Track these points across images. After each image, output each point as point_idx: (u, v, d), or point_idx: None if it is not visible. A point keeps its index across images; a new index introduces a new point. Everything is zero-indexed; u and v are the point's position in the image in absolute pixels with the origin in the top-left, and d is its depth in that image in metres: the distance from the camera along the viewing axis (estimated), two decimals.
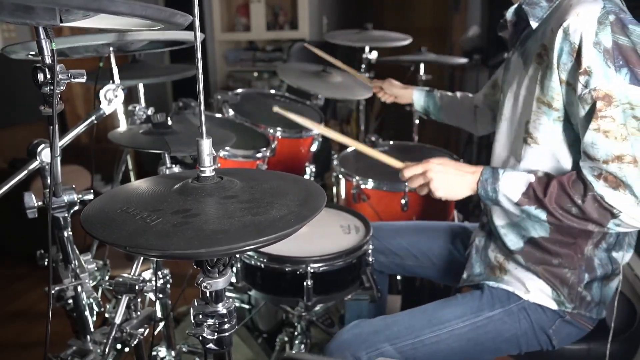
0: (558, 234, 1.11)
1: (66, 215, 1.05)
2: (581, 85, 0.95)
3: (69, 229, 1.07)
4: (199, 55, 0.61)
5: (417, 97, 1.74)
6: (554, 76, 1.00)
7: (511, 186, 1.06)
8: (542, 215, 1.03)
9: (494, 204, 1.10)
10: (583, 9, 0.95)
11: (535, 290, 1.15)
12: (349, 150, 2.11)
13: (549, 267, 1.13)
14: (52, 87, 0.77)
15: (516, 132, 1.12)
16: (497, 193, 1.07)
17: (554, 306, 1.14)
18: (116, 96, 1.11)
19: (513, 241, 1.17)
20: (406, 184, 1.70)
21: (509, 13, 1.12)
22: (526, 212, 1.06)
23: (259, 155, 1.66)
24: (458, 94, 1.67)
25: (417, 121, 2.55)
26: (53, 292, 1.06)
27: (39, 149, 0.98)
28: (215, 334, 0.67)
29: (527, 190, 1.04)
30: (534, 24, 1.06)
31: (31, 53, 1.09)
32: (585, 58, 0.93)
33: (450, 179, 1.11)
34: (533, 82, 1.06)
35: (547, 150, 1.07)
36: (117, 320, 1.12)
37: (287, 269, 1.20)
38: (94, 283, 1.16)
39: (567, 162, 1.07)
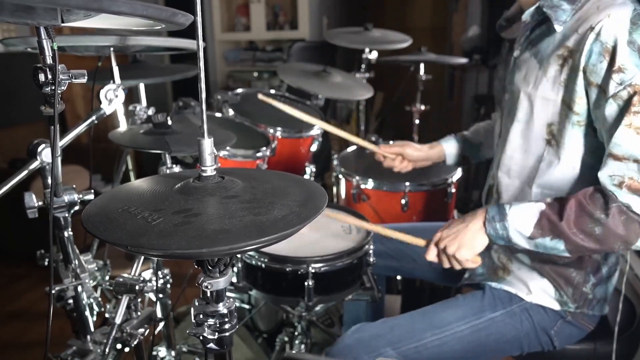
0: None
1: (66, 215, 1.05)
2: (615, 83, 0.94)
3: (69, 229, 1.07)
4: (202, 54, 0.61)
5: (449, 148, 1.55)
6: (579, 79, 0.99)
7: (521, 219, 1.02)
8: (560, 245, 0.99)
9: (507, 242, 1.06)
10: (614, 10, 0.95)
11: (538, 291, 1.15)
12: (348, 150, 2.11)
13: (555, 267, 1.13)
14: (53, 88, 0.77)
15: (535, 133, 1.10)
16: (507, 230, 1.03)
17: (556, 307, 1.14)
18: (116, 96, 1.11)
19: None
20: (406, 183, 1.72)
21: (526, 14, 1.10)
22: (542, 246, 1.01)
23: (259, 155, 1.66)
24: (480, 124, 1.58)
25: (417, 121, 2.55)
26: (53, 292, 1.06)
27: (39, 149, 0.98)
28: (216, 333, 0.67)
29: (539, 220, 1.00)
30: (558, 28, 1.04)
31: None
32: (619, 57, 0.93)
33: (459, 235, 1.10)
34: (555, 84, 1.04)
35: (567, 153, 1.06)
36: (117, 320, 1.12)
37: (288, 269, 1.19)
38: (94, 283, 1.16)
39: (584, 168, 1.06)
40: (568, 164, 1.07)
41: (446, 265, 1.14)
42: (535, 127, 1.10)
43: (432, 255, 1.16)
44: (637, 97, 0.92)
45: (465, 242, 1.09)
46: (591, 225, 0.96)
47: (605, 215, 0.94)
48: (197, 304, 0.67)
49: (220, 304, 0.66)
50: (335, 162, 1.93)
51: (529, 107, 1.11)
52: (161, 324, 1.42)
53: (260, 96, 1.34)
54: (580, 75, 0.99)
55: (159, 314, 1.37)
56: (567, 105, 1.03)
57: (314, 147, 1.99)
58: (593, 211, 0.95)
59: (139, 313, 1.17)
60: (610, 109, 0.96)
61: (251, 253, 1.23)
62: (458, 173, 1.84)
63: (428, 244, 1.17)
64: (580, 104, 1.01)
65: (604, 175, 0.97)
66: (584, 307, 1.13)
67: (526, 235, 1.02)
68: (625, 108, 0.94)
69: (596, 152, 1.04)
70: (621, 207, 0.94)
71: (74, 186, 1.04)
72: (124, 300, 1.13)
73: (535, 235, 1.01)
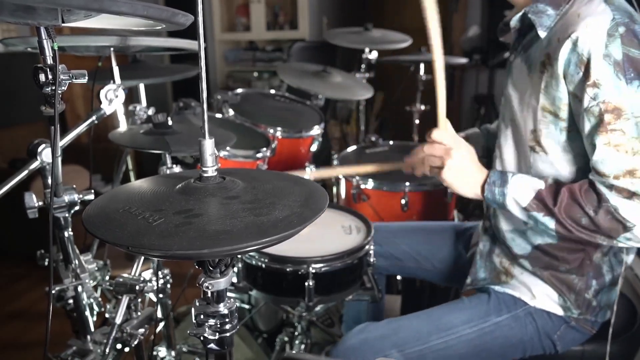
0: (566, 241, 1.10)
1: (67, 215, 1.05)
2: (589, 97, 0.93)
3: (70, 229, 1.07)
4: (202, 54, 0.61)
5: (474, 138, 1.43)
6: (561, 87, 0.98)
7: (520, 191, 1.04)
8: (551, 223, 1.01)
9: (500, 207, 1.08)
10: (592, 20, 0.93)
11: (542, 296, 1.14)
12: (348, 150, 2.11)
13: (556, 273, 1.12)
14: (53, 88, 0.77)
15: (523, 139, 1.11)
16: (504, 196, 1.05)
17: (560, 312, 1.13)
18: (117, 96, 1.11)
19: (520, 246, 1.15)
20: (406, 183, 1.72)
21: (514, 20, 1.09)
22: (534, 219, 1.04)
23: (259, 155, 1.66)
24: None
25: (417, 121, 2.55)
26: (53, 292, 1.06)
27: (39, 149, 0.98)
28: (217, 334, 0.67)
29: (536, 196, 1.02)
30: (542, 34, 1.04)
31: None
32: (594, 70, 0.92)
33: (462, 172, 1.09)
34: (537, 90, 1.04)
35: (556, 159, 1.06)
36: (118, 320, 1.12)
37: (288, 269, 1.19)
38: (94, 283, 1.16)
39: (574, 172, 1.06)
40: (559, 169, 1.07)
41: (419, 171, 1.17)
42: (522, 132, 1.10)
43: (416, 153, 1.16)
44: (609, 115, 0.92)
45: (457, 182, 1.10)
46: (579, 215, 0.98)
47: (594, 212, 0.97)
48: (197, 304, 0.67)
49: (221, 305, 0.66)
50: (335, 162, 1.93)
51: (517, 113, 1.11)
52: (161, 324, 1.42)
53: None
54: (562, 82, 0.98)
55: (159, 314, 1.37)
56: (549, 112, 1.03)
57: (314, 147, 1.99)
58: (584, 205, 0.98)
59: (139, 313, 1.17)
60: (586, 123, 0.96)
61: (251, 253, 1.23)
62: None
63: (430, 143, 1.14)
64: (565, 110, 1.01)
65: (595, 179, 0.98)
66: (587, 314, 1.13)
67: (522, 205, 1.04)
68: (599, 125, 0.93)
69: (583, 154, 1.03)
70: (609, 207, 0.96)
71: (74, 186, 1.04)
72: (124, 300, 1.13)
73: (529, 208, 1.03)
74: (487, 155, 1.48)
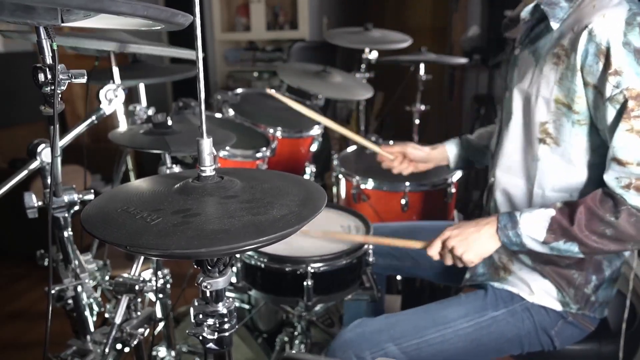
0: None
1: (66, 215, 1.05)
2: (612, 86, 0.93)
3: (69, 229, 1.07)
4: (200, 55, 0.61)
5: (452, 150, 1.50)
6: (577, 79, 0.98)
7: (533, 226, 1.03)
8: (574, 247, 1.00)
9: (521, 248, 1.07)
10: (609, 11, 0.94)
11: (540, 292, 1.14)
12: (348, 150, 2.11)
13: (557, 268, 1.12)
14: (52, 87, 0.77)
15: (530, 131, 1.10)
16: (520, 237, 1.04)
17: (558, 307, 1.14)
18: (116, 96, 1.11)
19: None
20: (406, 183, 1.72)
21: (525, 12, 1.10)
22: (556, 249, 1.03)
23: (259, 155, 1.66)
24: (483, 129, 1.51)
25: (417, 121, 2.55)
26: (53, 292, 1.06)
27: (39, 149, 0.98)
28: (216, 333, 0.67)
29: (550, 225, 1.01)
30: (554, 25, 1.04)
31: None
32: (615, 59, 0.92)
33: (469, 238, 1.09)
34: (549, 82, 1.04)
35: (567, 152, 1.06)
36: (117, 320, 1.12)
37: (287, 269, 1.19)
38: (94, 283, 1.16)
39: (585, 166, 1.06)
40: (569, 163, 1.06)
41: (448, 262, 1.14)
42: (530, 125, 1.10)
43: (434, 251, 1.15)
44: (633, 101, 0.92)
45: (475, 247, 1.09)
46: (602, 228, 0.97)
47: (615, 218, 0.95)
48: (196, 303, 0.67)
49: (220, 304, 0.66)
50: (335, 162, 1.93)
51: (524, 105, 1.11)
52: (161, 324, 1.42)
53: (269, 91, 1.41)
54: (579, 74, 0.98)
55: (159, 314, 1.37)
56: (562, 104, 1.03)
57: (314, 147, 1.99)
58: (603, 215, 0.96)
59: (138, 313, 1.17)
60: (609, 112, 0.95)
61: (250, 253, 1.23)
62: (458, 173, 1.84)
63: (429, 243, 1.16)
64: (580, 103, 1.00)
65: (610, 178, 0.97)
66: (585, 309, 1.13)
67: (540, 241, 1.03)
68: (623, 112, 0.93)
69: (597, 150, 1.03)
70: (630, 209, 0.95)
71: (74, 186, 1.05)
72: (124, 300, 1.13)
73: (548, 240, 1.02)
74: (466, 166, 1.52)
